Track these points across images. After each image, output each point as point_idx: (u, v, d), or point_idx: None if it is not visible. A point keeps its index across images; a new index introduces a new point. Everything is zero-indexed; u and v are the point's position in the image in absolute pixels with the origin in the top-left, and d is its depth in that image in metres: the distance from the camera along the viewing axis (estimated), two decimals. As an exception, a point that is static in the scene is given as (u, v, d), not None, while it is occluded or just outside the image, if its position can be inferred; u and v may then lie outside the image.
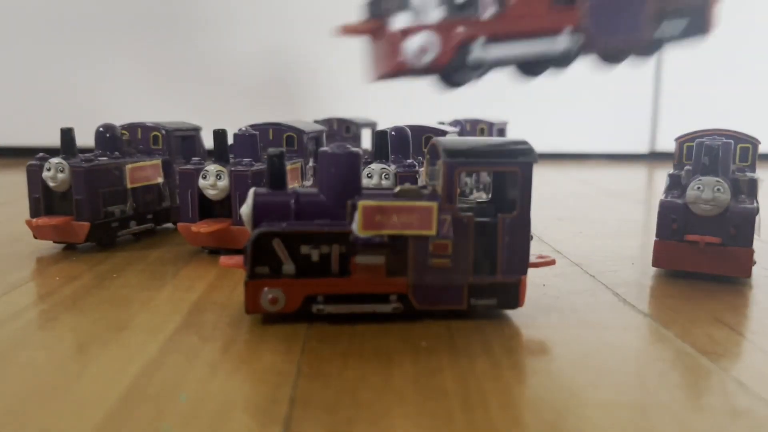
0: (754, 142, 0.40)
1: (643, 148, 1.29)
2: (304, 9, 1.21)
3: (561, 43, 0.26)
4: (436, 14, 0.26)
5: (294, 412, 0.20)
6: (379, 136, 0.42)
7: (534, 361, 0.25)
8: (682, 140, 0.41)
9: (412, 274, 0.29)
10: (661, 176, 0.67)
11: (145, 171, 0.48)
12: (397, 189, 0.29)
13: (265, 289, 0.28)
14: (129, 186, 0.46)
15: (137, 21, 1.21)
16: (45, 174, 0.42)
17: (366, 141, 0.73)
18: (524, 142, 0.29)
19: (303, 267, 0.28)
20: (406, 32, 0.26)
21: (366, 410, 0.21)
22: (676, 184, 0.38)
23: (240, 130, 0.44)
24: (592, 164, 1.17)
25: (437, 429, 0.19)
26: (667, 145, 0.60)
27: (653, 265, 0.37)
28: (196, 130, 0.55)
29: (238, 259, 0.30)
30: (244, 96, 1.22)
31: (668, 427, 0.20)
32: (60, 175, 0.42)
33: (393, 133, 0.44)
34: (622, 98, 1.24)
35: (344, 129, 0.73)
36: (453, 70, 0.28)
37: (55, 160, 0.42)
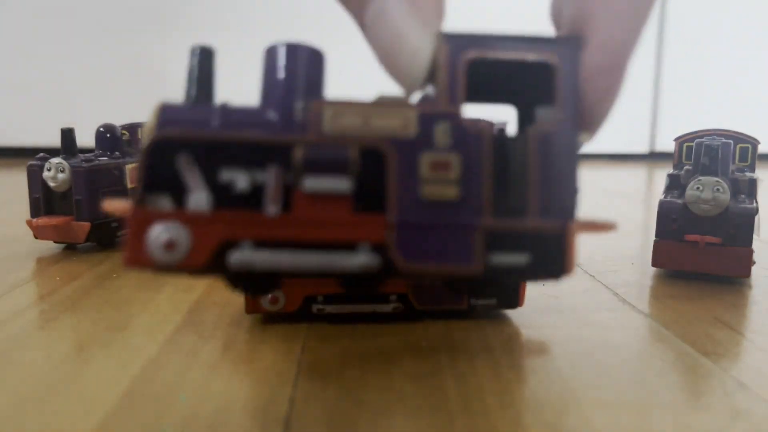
0: (754, 142, 0.40)
1: (642, 148, 1.29)
2: (305, 9, 1.21)
3: (356, 259, 0.19)
4: (198, 200, 0.18)
5: (294, 412, 0.20)
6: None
7: (534, 361, 0.25)
8: (681, 140, 0.41)
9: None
10: (661, 176, 0.67)
11: (145, 171, 0.48)
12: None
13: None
14: (129, 186, 0.46)
15: (137, 21, 1.21)
16: (45, 174, 0.42)
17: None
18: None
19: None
20: (152, 217, 0.18)
21: (366, 410, 0.21)
22: (675, 184, 0.38)
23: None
24: (592, 164, 1.17)
25: (437, 429, 0.19)
26: (667, 145, 0.60)
27: (653, 265, 0.37)
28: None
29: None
30: (244, 96, 1.21)
31: (668, 428, 0.20)
32: (60, 175, 0.42)
33: None
34: (621, 98, 1.24)
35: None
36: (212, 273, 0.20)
37: (55, 160, 0.42)
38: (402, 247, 0.19)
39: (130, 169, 0.46)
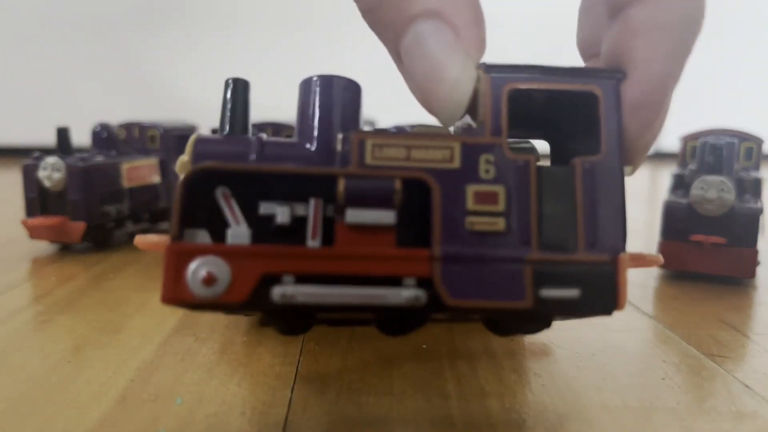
0: (759, 141, 0.40)
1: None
2: (303, 9, 1.21)
3: (402, 294, 0.18)
4: (238, 234, 0.18)
5: (292, 416, 0.20)
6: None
7: (536, 364, 0.25)
8: (686, 139, 0.41)
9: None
10: (665, 176, 0.67)
11: (142, 170, 0.47)
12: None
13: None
14: (125, 186, 0.45)
15: (134, 21, 1.21)
16: (41, 173, 0.42)
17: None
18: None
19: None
20: (190, 252, 0.18)
21: (365, 413, 0.20)
22: (680, 184, 0.38)
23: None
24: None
25: (436, 429, 0.19)
26: (671, 144, 0.59)
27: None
28: (193, 129, 0.54)
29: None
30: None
31: (673, 431, 0.19)
32: (56, 175, 0.42)
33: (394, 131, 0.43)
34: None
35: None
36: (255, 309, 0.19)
37: (51, 160, 0.42)
38: (448, 281, 0.18)
39: (127, 168, 0.46)
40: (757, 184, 0.37)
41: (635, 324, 0.29)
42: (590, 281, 0.19)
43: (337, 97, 0.20)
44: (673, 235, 0.36)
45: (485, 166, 0.18)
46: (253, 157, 0.19)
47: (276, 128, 0.71)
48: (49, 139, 0.46)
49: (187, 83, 1.20)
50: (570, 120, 0.21)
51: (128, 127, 0.50)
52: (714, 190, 0.34)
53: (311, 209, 0.18)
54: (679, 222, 0.36)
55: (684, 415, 0.20)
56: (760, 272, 0.37)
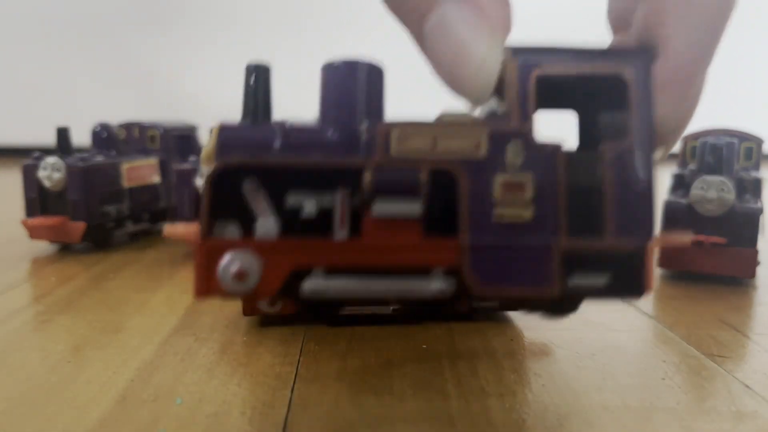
0: (759, 141, 0.40)
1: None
2: (305, 10, 1.21)
3: (431, 285, 0.19)
4: (266, 227, 0.19)
5: (292, 416, 0.20)
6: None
7: (536, 364, 0.25)
8: (686, 139, 0.41)
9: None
10: (666, 176, 0.67)
11: (142, 170, 0.47)
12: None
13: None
14: (125, 186, 0.45)
15: (133, 20, 1.21)
16: (41, 173, 0.42)
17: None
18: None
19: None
20: (221, 247, 0.18)
21: (365, 413, 0.20)
22: (680, 184, 0.38)
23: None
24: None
25: (437, 429, 0.19)
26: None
27: (657, 265, 0.37)
28: (193, 129, 0.54)
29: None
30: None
31: (673, 430, 0.19)
32: (56, 175, 0.42)
33: None
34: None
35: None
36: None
37: (51, 160, 0.42)
38: (477, 270, 0.19)
39: (126, 168, 0.46)
40: (757, 184, 0.37)
41: (635, 324, 0.29)
42: (619, 267, 0.19)
43: (361, 81, 0.20)
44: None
45: (513, 155, 0.19)
46: (277, 144, 0.19)
47: None
48: (49, 139, 0.46)
49: (187, 83, 1.20)
50: (601, 94, 0.21)
51: (128, 127, 0.50)
52: (714, 190, 0.34)
53: (338, 201, 0.19)
54: (679, 222, 0.36)
55: (684, 415, 0.20)
56: (760, 272, 0.37)
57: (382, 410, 0.20)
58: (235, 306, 0.31)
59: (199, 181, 0.41)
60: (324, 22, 1.22)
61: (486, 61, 0.18)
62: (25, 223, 0.43)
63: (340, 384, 0.22)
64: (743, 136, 0.40)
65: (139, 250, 0.44)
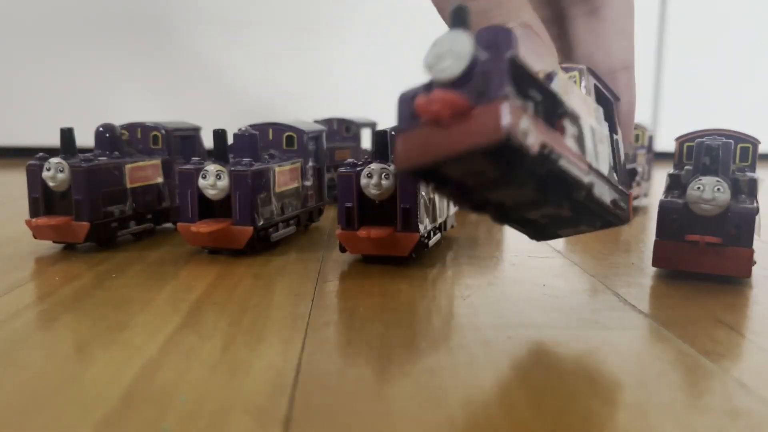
0: (754, 142, 0.40)
1: (643, 148, 1.29)
2: (305, 10, 1.21)
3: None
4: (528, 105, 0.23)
5: (294, 413, 0.20)
6: (379, 136, 0.42)
7: (534, 361, 0.25)
8: (682, 140, 0.41)
9: None
10: (661, 176, 0.67)
11: (145, 171, 0.48)
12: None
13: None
14: (129, 186, 0.46)
15: (137, 21, 1.21)
16: (45, 174, 0.42)
17: (366, 141, 0.73)
18: None
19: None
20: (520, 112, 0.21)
21: (366, 410, 0.21)
22: (676, 184, 0.38)
23: (240, 129, 0.44)
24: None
25: (437, 430, 0.19)
26: (667, 144, 0.60)
27: (653, 265, 0.37)
28: (196, 130, 0.55)
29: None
30: (243, 95, 1.21)
31: (668, 428, 0.20)
32: (60, 175, 0.42)
33: (393, 132, 0.44)
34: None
35: (344, 129, 0.73)
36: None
37: (54, 160, 0.42)
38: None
39: (130, 169, 0.46)
40: (753, 184, 0.37)
41: (631, 322, 0.30)
42: (621, 198, 0.30)
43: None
44: (668, 235, 0.36)
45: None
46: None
47: (341, 123, 0.74)
48: (53, 139, 0.47)
49: (188, 84, 1.20)
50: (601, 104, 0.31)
51: (131, 128, 0.51)
52: (710, 191, 0.35)
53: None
54: (674, 222, 0.36)
55: (679, 412, 0.21)
56: (756, 272, 0.38)
57: (382, 407, 0.21)
58: (238, 304, 0.31)
59: (202, 182, 0.41)
60: (326, 22, 1.22)
61: None
62: (29, 223, 0.43)
63: (340, 381, 0.23)
64: (739, 138, 0.40)
65: (142, 249, 0.44)
